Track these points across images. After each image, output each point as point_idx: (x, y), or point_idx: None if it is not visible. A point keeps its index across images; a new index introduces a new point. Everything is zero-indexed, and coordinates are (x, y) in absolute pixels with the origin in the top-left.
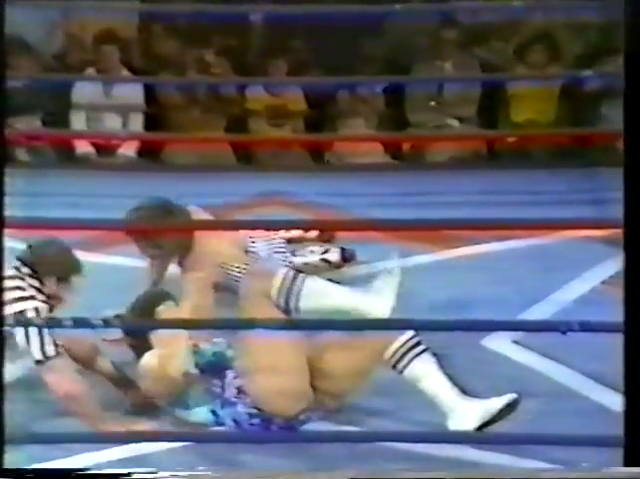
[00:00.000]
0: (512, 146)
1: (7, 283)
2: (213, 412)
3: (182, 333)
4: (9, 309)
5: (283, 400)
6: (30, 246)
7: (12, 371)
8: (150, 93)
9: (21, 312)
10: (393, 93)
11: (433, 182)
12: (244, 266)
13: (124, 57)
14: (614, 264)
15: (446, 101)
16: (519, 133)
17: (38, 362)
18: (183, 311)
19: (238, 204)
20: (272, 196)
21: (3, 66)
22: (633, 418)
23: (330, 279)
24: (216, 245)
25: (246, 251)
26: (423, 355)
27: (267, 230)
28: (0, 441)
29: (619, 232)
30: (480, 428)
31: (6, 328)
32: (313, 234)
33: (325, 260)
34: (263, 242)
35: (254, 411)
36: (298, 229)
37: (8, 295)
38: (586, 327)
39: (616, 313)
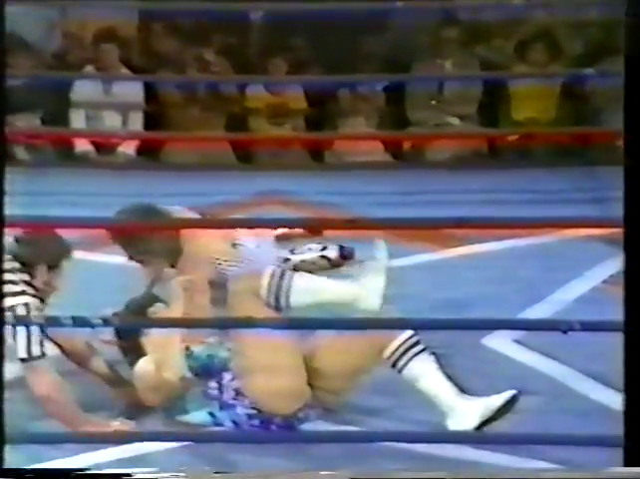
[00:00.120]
0: (513, 144)
1: None
2: (212, 415)
3: (175, 337)
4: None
5: (281, 399)
6: (17, 239)
7: (12, 370)
8: (149, 91)
9: (11, 308)
10: (393, 91)
11: (433, 180)
12: (234, 262)
13: (123, 55)
14: (615, 264)
15: (446, 99)
16: (520, 131)
17: (22, 360)
18: (177, 314)
19: (238, 202)
20: (272, 195)
21: (3, 65)
22: (633, 418)
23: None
24: (206, 244)
25: (234, 245)
26: (421, 355)
27: (258, 228)
28: (0, 441)
29: (620, 231)
30: (480, 426)
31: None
32: (300, 230)
33: (324, 257)
34: (252, 239)
35: (253, 412)
36: (295, 227)
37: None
38: (586, 327)
39: (617, 313)
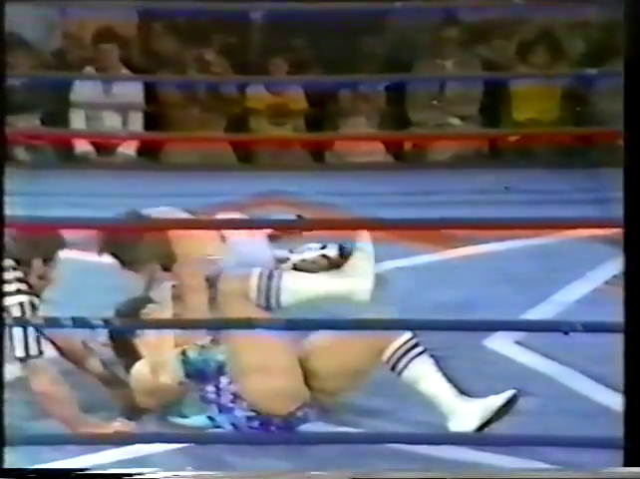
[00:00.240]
0: (514, 145)
1: None
2: (211, 418)
3: (169, 340)
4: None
5: (278, 399)
6: (11, 236)
7: (11, 371)
8: (149, 92)
9: (5, 308)
10: (394, 91)
11: (434, 181)
12: (228, 260)
13: (123, 55)
14: (617, 265)
15: (447, 99)
16: (521, 132)
17: (19, 360)
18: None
19: (238, 203)
20: (272, 195)
21: (3, 65)
22: (633, 419)
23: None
24: (198, 245)
25: (227, 245)
26: (421, 357)
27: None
28: (0, 441)
29: (621, 231)
30: (481, 427)
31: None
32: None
33: (324, 257)
34: (246, 239)
35: (252, 414)
36: (293, 228)
37: None
38: (587, 328)
39: (618, 314)
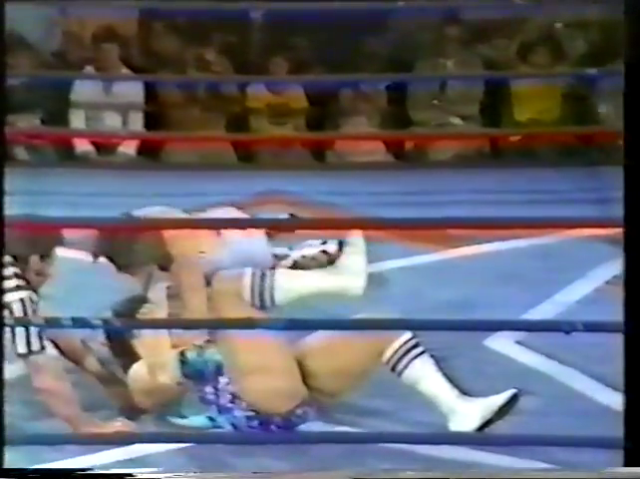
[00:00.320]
0: (516, 144)
1: None
2: (211, 419)
3: (167, 340)
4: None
5: (276, 398)
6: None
7: (12, 370)
8: (150, 91)
9: (6, 305)
10: (395, 91)
11: (435, 180)
12: (223, 256)
13: (123, 55)
14: (618, 264)
15: (449, 99)
16: (523, 131)
17: (21, 356)
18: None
19: (239, 203)
20: (273, 195)
21: (3, 64)
22: (633, 419)
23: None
24: (194, 244)
25: (220, 236)
26: (421, 357)
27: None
28: (0, 441)
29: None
30: (482, 427)
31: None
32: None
33: (324, 252)
34: (244, 237)
35: (251, 414)
36: (292, 228)
37: None
38: (587, 327)
39: (620, 314)
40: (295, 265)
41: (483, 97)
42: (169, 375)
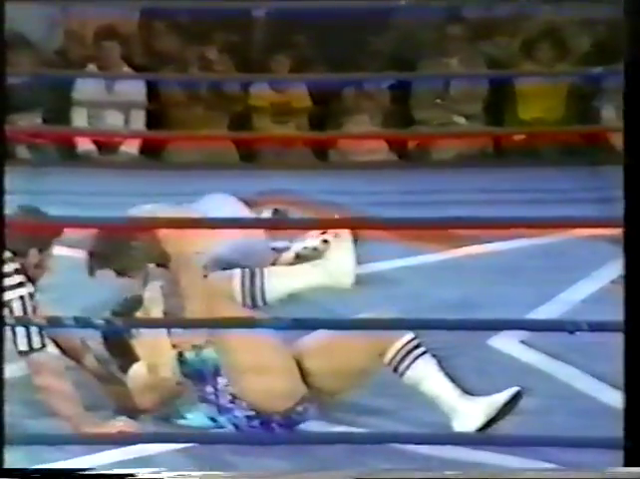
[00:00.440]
0: (519, 144)
1: None
2: (212, 419)
3: (166, 340)
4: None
5: (275, 397)
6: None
7: (13, 369)
8: (152, 90)
9: (7, 303)
10: (398, 90)
11: (438, 180)
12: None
13: (125, 53)
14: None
15: (452, 98)
16: (526, 130)
17: (22, 353)
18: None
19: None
20: (276, 194)
21: (3, 63)
22: (633, 418)
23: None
24: (188, 240)
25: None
26: (423, 357)
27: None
28: (0, 441)
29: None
30: (486, 426)
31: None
32: None
33: (325, 242)
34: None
35: (252, 413)
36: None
37: None
38: (589, 327)
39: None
40: (298, 257)
41: (487, 95)
42: (169, 375)
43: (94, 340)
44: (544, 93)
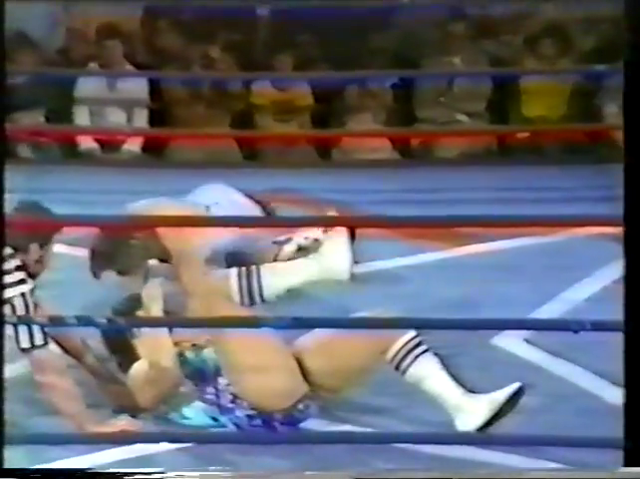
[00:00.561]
0: (523, 142)
1: None
2: (214, 419)
3: (167, 340)
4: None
5: (276, 395)
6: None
7: (14, 368)
8: (154, 88)
9: (8, 300)
10: (401, 88)
11: (441, 178)
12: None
13: (127, 51)
14: None
15: (455, 96)
16: (529, 128)
17: (24, 350)
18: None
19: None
20: (278, 192)
21: (2, 62)
22: (633, 418)
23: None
24: (188, 235)
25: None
26: (425, 355)
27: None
28: (0, 441)
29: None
30: (489, 422)
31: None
32: None
33: (326, 231)
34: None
35: (253, 413)
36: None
37: None
38: (588, 326)
39: None
40: (300, 250)
41: (490, 93)
42: (170, 372)
43: (94, 339)
44: (548, 91)
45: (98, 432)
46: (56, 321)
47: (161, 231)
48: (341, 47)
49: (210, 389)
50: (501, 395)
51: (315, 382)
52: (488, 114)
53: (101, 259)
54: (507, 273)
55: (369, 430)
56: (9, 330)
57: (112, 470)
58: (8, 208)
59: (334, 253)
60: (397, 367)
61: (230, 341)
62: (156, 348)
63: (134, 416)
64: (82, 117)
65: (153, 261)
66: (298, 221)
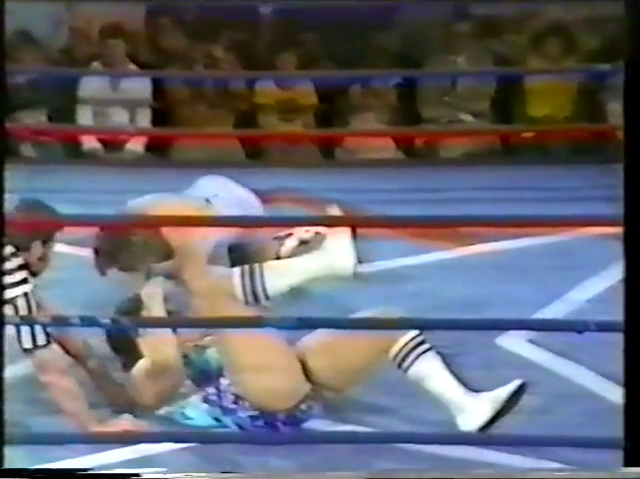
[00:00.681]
0: (528, 141)
1: None
2: (217, 420)
3: (171, 340)
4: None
5: (278, 395)
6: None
7: (17, 369)
8: (157, 88)
9: (11, 300)
10: (405, 87)
11: (445, 178)
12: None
13: (130, 51)
14: None
15: (459, 95)
16: (533, 128)
17: (26, 351)
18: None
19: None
20: (282, 192)
21: (2, 61)
22: (633, 418)
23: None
24: (191, 231)
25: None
26: (427, 354)
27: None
28: (0, 441)
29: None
30: (492, 420)
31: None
32: None
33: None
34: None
35: (255, 414)
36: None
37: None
38: (593, 327)
39: None
40: (301, 244)
41: (495, 93)
42: (173, 372)
43: (97, 338)
44: (553, 90)
45: (100, 432)
46: (59, 321)
47: (165, 229)
48: (345, 46)
49: (212, 390)
50: (503, 393)
51: (318, 382)
52: (493, 113)
53: (105, 257)
54: (512, 273)
55: (372, 430)
56: (11, 331)
57: (114, 471)
58: (10, 206)
59: (337, 249)
60: (399, 365)
61: (233, 341)
62: (159, 346)
63: (137, 415)
64: (85, 116)
65: (155, 261)
66: (300, 220)
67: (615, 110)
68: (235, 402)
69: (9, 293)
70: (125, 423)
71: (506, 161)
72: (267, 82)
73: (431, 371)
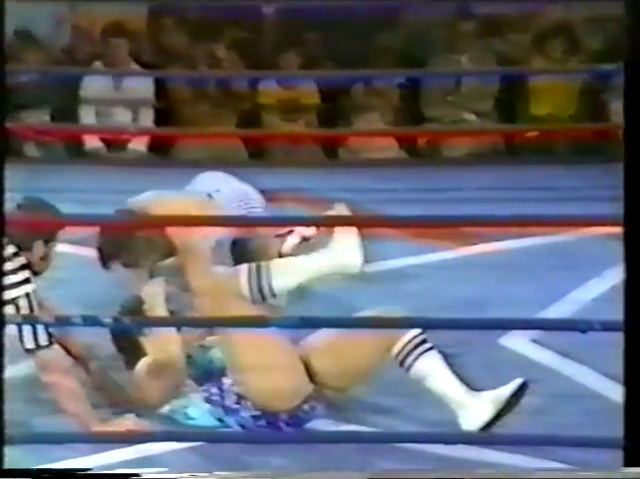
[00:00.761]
0: (531, 141)
1: None
2: (220, 420)
3: (175, 339)
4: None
5: (281, 395)
6: (19, 205)
7: (19, 369)
8: (160, 87)
9: (13, 300)
10: (408, 87)
11: (449, 178)
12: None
13: (133, 50)
14: None
15: (462, 95)
16: (537, 127)
17: (28, 351)
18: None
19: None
20: (285, 192)
21: (3, 61)
22: (633, 418)
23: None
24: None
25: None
26: (429, 353)
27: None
28: (0, 441)
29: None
30: (494, 419)
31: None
32: None
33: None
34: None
35: (258, 413)
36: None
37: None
38: (596, 327)
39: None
40: (303, 240)
41: (498, 93)
42: (177, 370)
43: (100, 337)
44: (556, 90)
45: (102, 431)
46: (61, 321)
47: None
48: (348, 45)
49: (215, 390)
50: (505, 392)
51: (321, 382)
52: (496, 113)
53: (108, 254)
54: (515, 273)
55: (374, 430)
56: (14, 331)
57: (115, 471)
58: (12, 206)
59: (346, 248)
60: (401, 364)
61: (236, 341)
62: (163, 345)
63: (138, 415)
64: (87, 116)
65: (158, 259)
66: (304, 220)
67: (618, 109)
68: (238, 402)
69: (11, 293)
70: (127, 423)
71: (510, 160)
72: (270, 82)
73: (432, 370)
